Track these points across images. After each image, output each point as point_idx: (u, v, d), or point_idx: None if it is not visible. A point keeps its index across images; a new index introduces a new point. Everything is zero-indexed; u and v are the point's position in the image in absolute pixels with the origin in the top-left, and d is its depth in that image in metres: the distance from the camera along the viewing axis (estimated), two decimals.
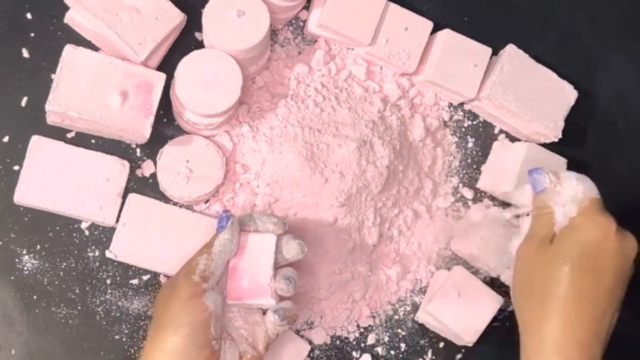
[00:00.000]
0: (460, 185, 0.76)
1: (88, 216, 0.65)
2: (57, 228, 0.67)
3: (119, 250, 0.66)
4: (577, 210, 0.59)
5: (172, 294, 0.58)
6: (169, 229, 0.66)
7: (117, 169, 0.66)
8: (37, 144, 0.65)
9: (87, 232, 0.67)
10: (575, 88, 0.75)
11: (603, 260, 0.57)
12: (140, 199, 0.66)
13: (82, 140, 0.67)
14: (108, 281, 0.67)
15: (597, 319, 0.56)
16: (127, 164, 0.66)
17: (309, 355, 0.71)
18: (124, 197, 0.66)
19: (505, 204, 0.77)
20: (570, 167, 0.75)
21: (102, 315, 0.67)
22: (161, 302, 0.59)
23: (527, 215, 0.66)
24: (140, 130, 0.64)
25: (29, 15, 0.67)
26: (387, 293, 0.73)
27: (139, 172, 0.68)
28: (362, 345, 0.73)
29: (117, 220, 0.66)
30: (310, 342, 0.71)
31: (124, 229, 0.66)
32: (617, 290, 0.58)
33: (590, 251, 0.57)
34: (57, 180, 0.64)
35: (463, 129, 0.77)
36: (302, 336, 0.71)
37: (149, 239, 0.66)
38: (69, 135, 0.67)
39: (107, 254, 0.66)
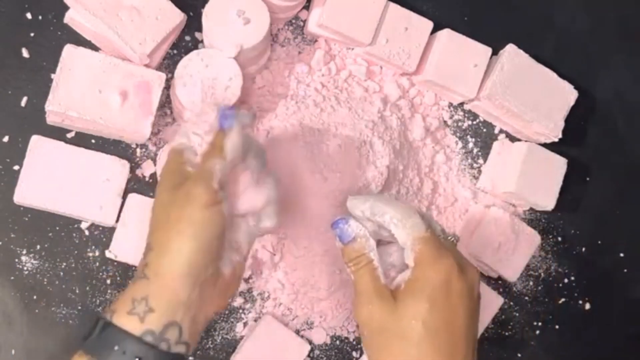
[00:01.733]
0: (460, 185, 0.76)
1: (88, 216, 0.65)
2: (57, 228, 0.67)
3: (119, 250, 0.66)
4: (412, 257, 0.54)
5: (188, 200, 0.51)
6: None
7: (117, 169, 0.66)
8: (37, 144, 0.65)
9: (87, 232, 0.67)
10: (575, 88, 0.75)
11: (452, 305, 0.53)
12: (140, 199, 0.66)
13: (82, 140, 0.67)
14: (108, 281, 0.67)
15: None
16: (127, 164, 0.66)
17: (309, 355, 0.71)
18: (124, 197, 0.66)
19: (506, 204, 0.77)
20: (570, 167, 0.75)
21: None
22: (173, 208, 0.52)
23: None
24: (140, 130, 0.64)
25: (29, 15, 0.67)
26: None
27: (139, 172, 0.68)
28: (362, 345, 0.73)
29: (117, 220, 0.66)
30: (310, 342, 0.71)
31: (124, 229, 0.66)
32: (472, 327, 0.54)
33: (440, 298, 0.52)
34: (57, 180, 0.64)
35: (463, 129, 0.77)
36: (302, 336, 0.71)
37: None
38: (69, 135, 0.67)
39: (107, 254, 0.66)
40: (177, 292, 0.50)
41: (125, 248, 0.66)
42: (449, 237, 0.60)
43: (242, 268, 0.56)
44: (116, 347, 0.48)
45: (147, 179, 0.68)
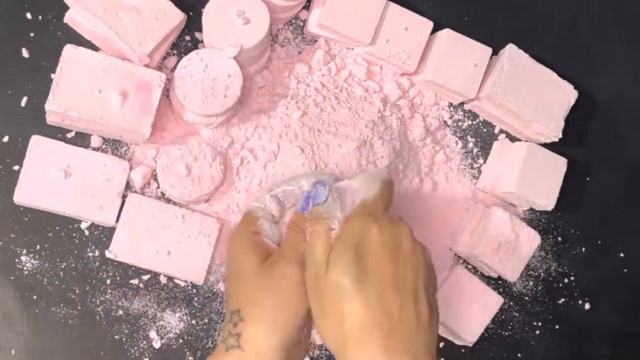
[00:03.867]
0: (460, 185, 0.76)
1: (88, 216, 0.65)
2: (57, 228, 0.66)
3: (119, 250, 0.66)
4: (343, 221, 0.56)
5: (284, 280, 0.56)
6: (169, 229, 0.66)
7: (117, 169, 0.66)
8: (37, 143, 0.64)
9: (87, 232, 0.67)
10: (575, 88, 0.75)
11: (376, 256, 0.54)
12: (140, 199, 0.66)
13: (82, 140, 0.67)
14: (108, 281, 0.67)
15: (394, 315, 0.52)
16: (127, 164, 0.66)
17: (309, 355, 0.71)
18: (124, 197, 0.66)
19: (506, 204, 0.77)
20: (570, 167, 0.75)
21: (102, 315, 0.67)
22: (265, 284, 0.56)
23: None
24: (140, 130, 0.64)
25: (29, 15, 0.67)
26: None
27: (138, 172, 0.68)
28: None
29: (117, 220, 0.66)
30: (310, 342, 0.71)
31: (124, 229, 0.66)
32: (408, 278, 0.54)
33: (354, 259, 0.53)
34: (57, 180, 0.64)
35: (463, 129, 0.77)
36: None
37: (149, 239, 0.66)
38: (69, 135, 0.67)
39: (107, 254, 0.66)
40: None
41: (125, 248, 0.66)
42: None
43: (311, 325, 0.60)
44: None
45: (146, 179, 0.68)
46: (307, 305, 0.56)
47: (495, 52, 0.74)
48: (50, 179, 0.64)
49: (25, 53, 0.67)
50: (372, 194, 0.59)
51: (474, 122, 0.77)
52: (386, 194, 0.60)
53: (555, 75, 0.74)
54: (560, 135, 0.74)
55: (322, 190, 0.60)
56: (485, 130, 0.78)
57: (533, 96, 0.73)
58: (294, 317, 0.56)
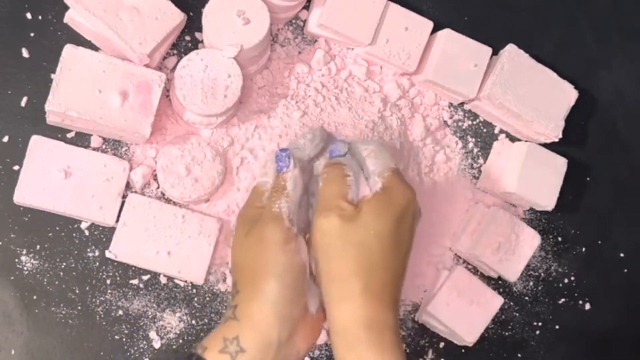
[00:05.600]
0: (460, 185, 0.76)
1: (88, 216, 0.65)
2: (57, 228, 0.66)
3: (119, 250, 0.66)
4: (380, 182, 0.57)
5: (262, 242, 0.55)
6: (169, 229, 0.66)
7: (117, 169, 0.66)
8: (37, 143, 0.64)
9: (87, 232, 0.67)
10: (575, 88, 0.75)
11: (405, 226, 0.56)
12: (140, 199, 0.66)
13: (82, 140, 0.67)
14: (108, 281, 0.67)
15: (394, 289, 0.56)
16: (127, 164, 0.66)
17: (308, 355, 0.71)
18: (124, 197, 0.66)
19: (506, 204, 0.77)
20: (570, 167, 0.75)
21: (102, 315, 0.67)
22: (250, 250, 0.56)
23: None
24: (140, 130, 0.64)
25: (29, 15, 0.67)
26: None
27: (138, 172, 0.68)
28: None
29: (117, 220, 0.66)
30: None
31: (124, 229, 0.66)
32: (410, 250, 0.58)
33: (398, 219, 0.56)
34: (57, 180, 0.64)
35: (463, 129, 0.77)
36: None
37: (149, 239, 0.66)
38: (69, 135, 0.67)
39: (107, 254, 0.66)
40: (267, 333, 0.53)
41: (125, 248, 0.66)
42: None
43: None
44: None
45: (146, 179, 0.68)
46: (295, 269, 0.54)
47: (495, 52, 0.74)
48: (50, 179, 0.64)
49: (25, 53, 0.67)
50: (392, 163, 0.59)
51: (474, 122, 0.77)
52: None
53: (555, 75, 0.74)
54: (560, 135, 0.74)
55: (343, 145, 0.61)
56: (485, 130, 0.78)
57: (533, 96, 0.73)
58: (284, 281, 0.54)
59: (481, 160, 0.77)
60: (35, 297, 0.66)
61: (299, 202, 0.58)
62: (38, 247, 0.66)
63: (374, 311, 0.53)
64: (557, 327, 0.78)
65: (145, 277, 0.68)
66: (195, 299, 0.69)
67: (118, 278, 0.67)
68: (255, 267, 0.55)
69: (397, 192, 0.57)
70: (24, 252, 0.66)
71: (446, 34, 0.72)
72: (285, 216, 0.56)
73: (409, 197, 0.57)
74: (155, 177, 0.68)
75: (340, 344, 0.54)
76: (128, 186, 0.67)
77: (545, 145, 0.75)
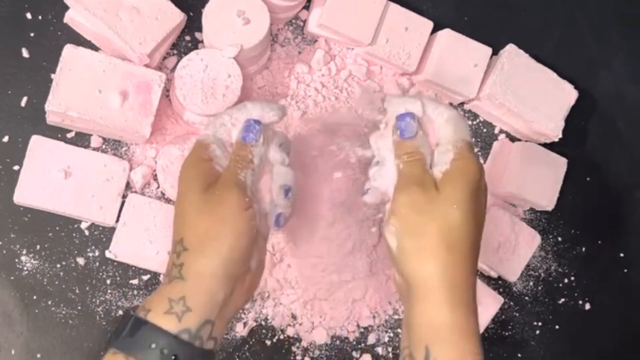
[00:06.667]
0: None
1: (88, 216, 0.65)
2: (57, 228, 0.66)
3: (119, 250, 0.66)
4: (453, 152, 0.57)
5: (223, 205, 0.54)
6: (169, 229, 0.66)
7: (116, 169, 0.66)
8: (37, 143, 0.64)
9: (87, 232, 0.67)
10: (575, 88, 0.75)
11: (481, 199, 0.57)
12: (140, 199, 0.66)
13: (82, 140, 0.67)
14: (108, 281, 0.67)
15: (476, 257, 0.57)
16: (127, 164, 0.66)
17: (309, 355, 0.71)
18: (124, 197, 0.66)
19: (506, 204, 0.77)
20: (570, 167, 0.75)
21: (102, 315, 0.67)
22: (206, 210, 0.54)
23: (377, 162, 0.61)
24: (140, 130, 0.64)
25: (29, 15, 0.67)
26: (387, 293, 0.73)
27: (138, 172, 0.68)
28: (362, 345, 0.73)
29: (117, 221, 0.66)
30: (310, 342, 0.71)
31: (124, 229, 0.66)
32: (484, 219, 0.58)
33: (474, 191, 0.56)
34: (57, 180, 0.64)
35: None
36: (301, 337, 0.71)
37: (149, 239, 0.66)
38: (69, 135, 0.67)
39: (107, 254, 0.66)
40: (214, 292, 0.52)
41: (125, 248, 0.66)
42: None
43: (264, 261, 0.59)
44: (153, 345, 0.49)
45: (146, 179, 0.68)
46: (249, 233, 0.54)
47: (495, 52, 0.74)
48: (50, 179, 0.64)
49: (25, 53, 0.67)
50: (467, 135, 0.59)
51: (474, 122, 0.77)
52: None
53: (555, 75, 0.74)
54: (560, 135, 0.74)
55: (413, 123, 0.58)
56: (485, 130, 0.78)
57: (533, 96, 0.73)
58: (235, 244, 0.53)
59: (481, 160, 0.77)
60: (35, 297, 0.66)
61: (261, 174, 0.58)
62: (38, 247, 0.66)
63: (459, 276, 0.54)
64: (557, 327, 0.78)
65: (145, 277, 0.68)
66: None
67: (118, 278, 0.67)
68: (211, 226, 0.54)
69: (471, 164, 0.57)
70: (24, 252, 0.66)
71: (446, 34, 0.72)
72: (248, 187, 0.56)
73: (481, 170, 0.57)
74: (155, 177, 0.68)
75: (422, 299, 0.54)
76: (128, 186, 0.67)
77: (545, 145, 0.75)
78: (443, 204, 0.55)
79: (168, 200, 0.68)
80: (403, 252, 0.55)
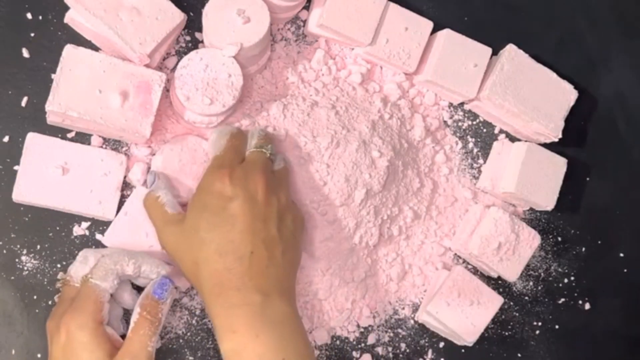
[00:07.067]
0: (460, 185, 0.76)
1: (87, 211, 0.65)
2: (57, 228, 0.66)
3: (114, 237, 0.65)
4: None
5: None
6: None
7: (114, 163, 0.66)
8: (33, 141, 0.64)
9: (87, 232, 0.67)
10: (575, 88, 0.75)
11: (229, 206, 0.58)
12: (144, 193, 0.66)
13: (83, 140, 0.67)
14: None
15: (244, 259, 0.58)
16: (124, 158, 0.66)
17: None
18: (123, 191, 0.66)
19: (506, 204, 0.77)
20: (570, 167, 0.75)
21: None
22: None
23: None
24: (140, 130, 0.64)
25: (29, 15, 0.67)
26: (387, 293, 0.73)
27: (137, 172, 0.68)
28: (362, 345, 0.73)
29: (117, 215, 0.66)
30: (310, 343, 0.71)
31: (124, 218, 0.65)
32: (256, 227, 0.59)
33: (208, 209, 0.59)
34: (55, 176, 0.64)
35: (463, 129, 0.77)
36: None
37: (146, 232, 0.65)
38: (70, 135, 0.67)
39: (101, 238, 0.66)
40: None
41: (120, 236, 0.65)
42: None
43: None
44: None
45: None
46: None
47: (495, 52, 0.74)
48: (47, 175, 0.64)
49: (25, 53, 0.67)
50: (221, 148, 0.63)
51: (474, 122, 0.77)
52: (238, 144, 0.64)
53: (555, 75, 0.74)
54: (560, 135, 0.74)
55: (151, 178, 0.64)
56: (485, 130, 0.78)
57: (533, 96, 0.73)
58: None
59: (481, 160, 0.77)
60: (35, 297, 0.66)
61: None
62: (38, 247, 0.66)
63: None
64: (557, 327, 0.78)
65: None
66: (196, 299, 0.69)
67: None
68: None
69: (204, 181, 0.62)
70: (24, 252, 0.66)
71: (446, 34, 0.72)
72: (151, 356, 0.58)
73: (213, 181, 0.60)
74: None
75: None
76: (128, 186, 0.67)
77: (545, 145, 0.75)
78: (185, 232, 0.60)
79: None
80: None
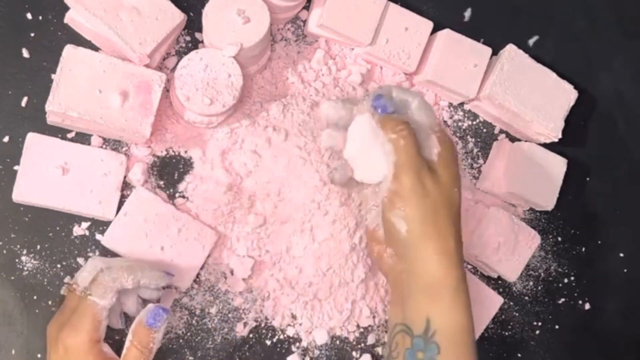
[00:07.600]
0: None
1: (87, 211, 0.65)
2: (57, 228, 0.66)
3: (113, 239, 0.65)
4: (435, 135, 0.58)
5: None
6: (167, 229, 0.66)
7: (114, 163, 0.66)
8: (33, 141, 0.64)
9: (87, 232, 0.67)
10: (575, 88, 0.75)
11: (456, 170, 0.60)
12: (147, 194, 0.66)
13: (83, 140, 0.67)
14: None
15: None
16: (124, 158, 0.66)
17: (309, 355, 0.71)
18: (123, 191, 0.66)
19: (506, 204, 0.77)
20: (570, 167, 0.75)
21: None
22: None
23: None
24: (140, 130, 0.64)
25: (29, 15, 0.67)
26: (387, 293, 0.73)
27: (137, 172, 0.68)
28: (362, 345, 0.73)
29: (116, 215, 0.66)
30: (310, 342, 0.71)
31: (123, 219, 0.65)
32: None
33: (458, 171, 0.60)
34: (55, 176, 0.64)
35: (463, 129, 0.77)
36: (301, 338, 0.71)
37: (145, 235, 0.65)
38: (70, 136, 0.67)
39: (101, 239, 0.65)
40: None
41: (118, 238, 0.65)
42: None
43: None
44: None
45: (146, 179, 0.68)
46: None
47: (495, 52, 0.74)
48: (47, 175, 0.64)
49: (25, 53, 0.67)
50: (435, 117, 0.60)
51: (474, 122, 0.77)
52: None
53: (555, 75, 0.74)
54: (560, 135, 0.74)
55: (390, 101, 0.59)
56: (485, 130, 0.78)
57: (533, 96, 0.73)
58: None
59: (481, 160, 0.77)
60: (35, 297, 0.66)
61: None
62: (38, 247, 0.66)
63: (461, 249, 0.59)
64: (557, 327, 0.78)
65: None
66: (195, 299, 0.69)
67: None
68: None
69: (453, 147, 0.60)
70: (24, 252, 0.66)
71: (446, 34, 0.72)
72: None
73: (455, 148, 0.60)
74: (152, 174, 0.68)
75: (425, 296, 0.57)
76: (128, 186, 0.67)
77: (545, 145, 0.75)
78: (445, 187, 0.57)
79: (171, 196, 0.68)
80: (414, 236, 0.57)
